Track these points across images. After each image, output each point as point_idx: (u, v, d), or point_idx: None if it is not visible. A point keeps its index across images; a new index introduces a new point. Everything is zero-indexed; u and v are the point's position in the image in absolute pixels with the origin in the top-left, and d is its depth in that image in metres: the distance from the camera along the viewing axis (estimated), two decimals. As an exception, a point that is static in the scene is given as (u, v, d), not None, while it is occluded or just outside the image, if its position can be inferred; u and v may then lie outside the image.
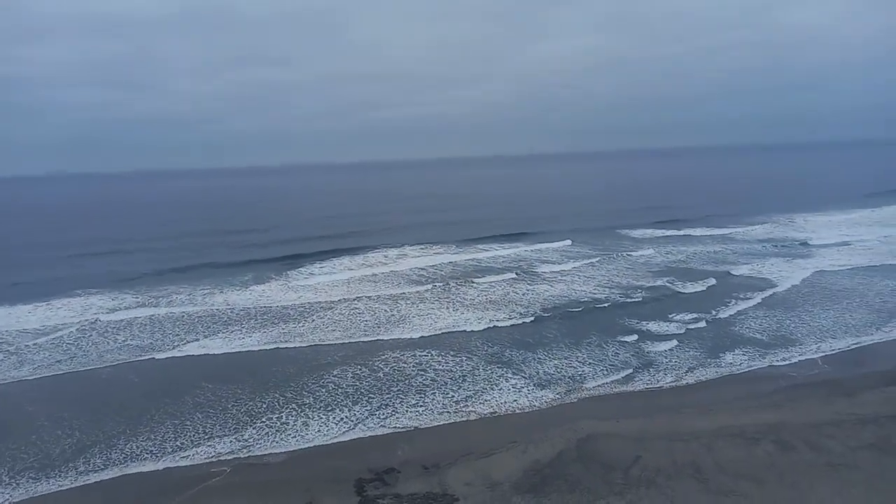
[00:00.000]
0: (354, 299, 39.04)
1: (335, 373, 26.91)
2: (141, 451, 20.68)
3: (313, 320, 34.72)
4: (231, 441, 21.18)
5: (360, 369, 27.27)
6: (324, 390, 25.13)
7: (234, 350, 30.31)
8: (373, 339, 31.33)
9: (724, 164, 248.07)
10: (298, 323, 34.32)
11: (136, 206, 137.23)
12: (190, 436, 21.62)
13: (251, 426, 22.19)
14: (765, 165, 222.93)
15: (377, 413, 23.00)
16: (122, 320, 35.71)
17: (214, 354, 29.79)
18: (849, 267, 43.00)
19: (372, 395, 24.50)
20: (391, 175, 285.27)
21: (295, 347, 30.50)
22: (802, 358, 26.85)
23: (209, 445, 20.92)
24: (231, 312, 36.72)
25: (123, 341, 32.14)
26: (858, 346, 27.95)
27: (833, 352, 27.37)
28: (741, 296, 36.45)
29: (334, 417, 22.70)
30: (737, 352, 27.76)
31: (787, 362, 26.43)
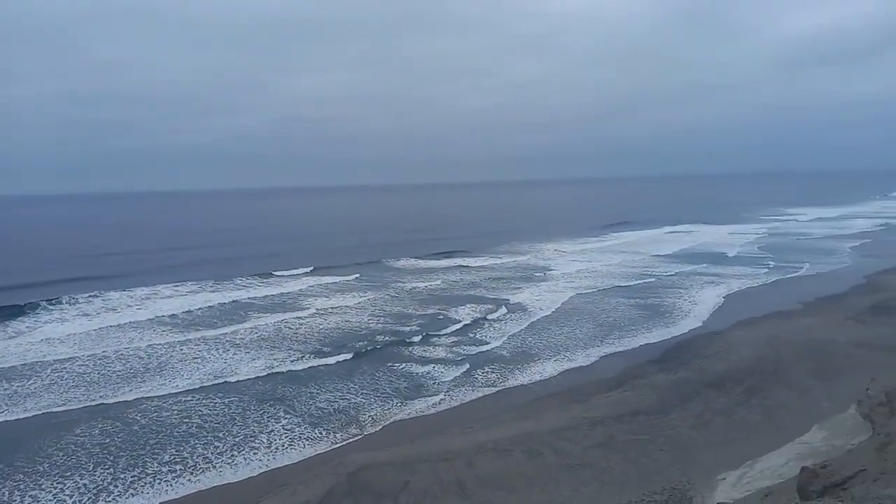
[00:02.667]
0: (100, 349, 34.72)
1: (78, 432, 23.49)
2: None
3: (47, 377, 30.05)
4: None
5: (110, 425, 24.17)
6: (61, 454, 21.77)
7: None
8: (126, 391, 27.99)
9: (478, 198, 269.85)
10: (27, 381, 29.43)
11: None
12: None
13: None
14: (510, 200, 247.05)
15: (124, 475, 20.44)
16: None
17: None
18: (585, 290, 49.05)
19: (121, 454, 21.78)
20: (141, 207, 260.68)
21: (24, 410, 26.04)
22: (547, 372, 29.98)
23: None
24: (-67, 375, 30.28)
25: None
26: (590, 357, 32.05)
27: (572, 364, 31.02)
28: (498, 319, 39.86)
29: (70, 486, 19.71)
30: (493, 371, 30.05)
31: (536, 377, 29.33)
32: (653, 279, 53.20)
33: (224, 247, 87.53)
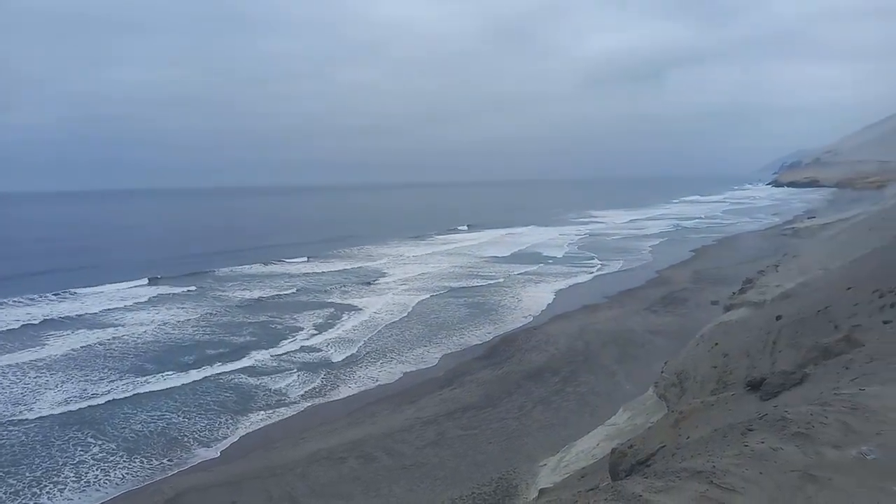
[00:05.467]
0: None
1: None
2: None
3: None
4: None
5: None
6: None
7: None
8: None
9: (310, 203, 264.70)
10: None
11: None
12: None
13: None
14: (343, 204, 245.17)
15: None
16: None
17: None
18: (422, 294, 49.36)
19: None
20: None
21: None
22: (379, 376, 30.07)
23: None
24: None
25: None
26: (423, 358, 32.78)
27: (405, 368, 31.31)
28: (332, 326, 39.27)
29: None
30: (326, 380, 29.51)
31: (370, 383, 29.36)
32: (488, 281, 55.00)
33: (17, 259, 76.50)
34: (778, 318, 18.75)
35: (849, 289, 18.40)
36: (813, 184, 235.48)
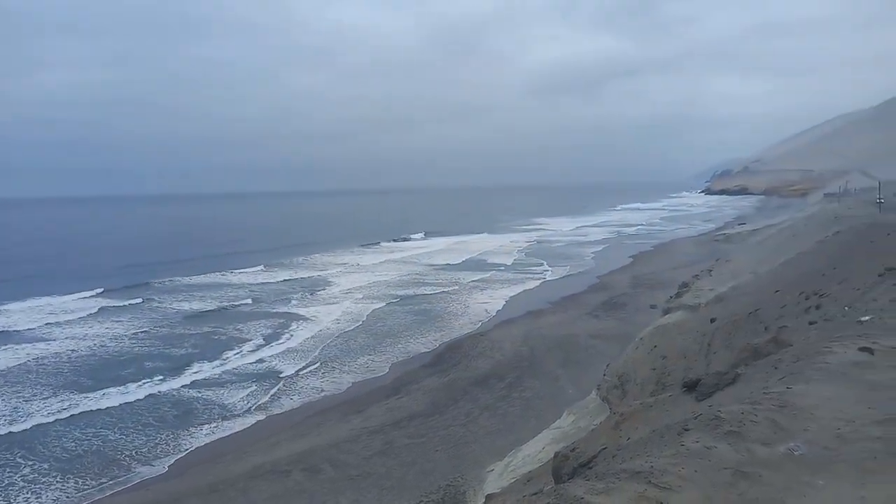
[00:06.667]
0: None
1: None
2: None
3: None
4: None
5: None
6: None
7: None
8: None
9: (256, 209, 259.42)
10: None
11: None
12: None
13: None
14: (292, 211, 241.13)
15: None
16: None
17: None
18: (373, 303, 48.61)
19: None
20: None
21: None
22: (323, 386, 29.63)
23: None
24: None
25: None
26: (370, 368, 32.50)
27: (352, 378, 31.03)
28: (277, 338, 38.49)
29: None
30: (270, 393, 28.86)
31: (314, 394, 28.90)
32: (441, 289, 54.82)
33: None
34: (712, 320, 19.52)
35: (777, 292, 19.34)
36: (743, 191, 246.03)
